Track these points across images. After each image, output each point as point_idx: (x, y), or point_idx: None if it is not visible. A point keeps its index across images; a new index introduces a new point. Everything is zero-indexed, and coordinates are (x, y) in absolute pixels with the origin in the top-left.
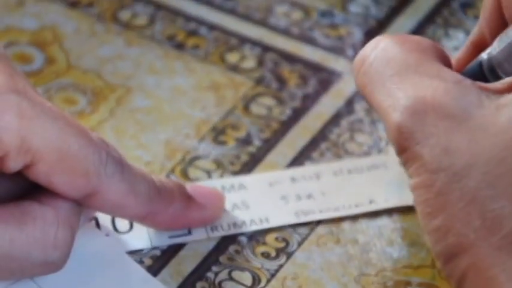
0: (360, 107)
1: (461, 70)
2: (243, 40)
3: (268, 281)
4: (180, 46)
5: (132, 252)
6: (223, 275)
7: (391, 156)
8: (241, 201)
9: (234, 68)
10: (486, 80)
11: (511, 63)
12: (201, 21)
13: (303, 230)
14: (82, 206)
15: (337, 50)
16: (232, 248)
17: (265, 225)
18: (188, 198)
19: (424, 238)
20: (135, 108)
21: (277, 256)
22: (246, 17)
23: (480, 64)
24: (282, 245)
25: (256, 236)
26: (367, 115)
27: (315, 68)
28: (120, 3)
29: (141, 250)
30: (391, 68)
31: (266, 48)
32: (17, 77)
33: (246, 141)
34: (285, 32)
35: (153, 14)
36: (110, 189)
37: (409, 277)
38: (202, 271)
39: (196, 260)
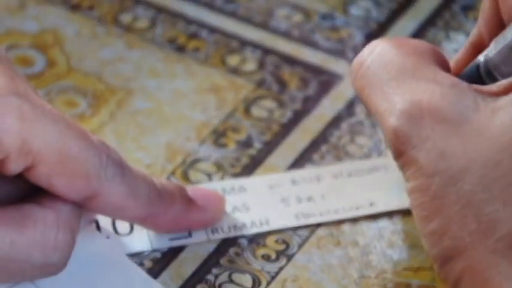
0: (360, 110)
1: (460, 71)
2: (244, 43)
3: (269, 283)
4: (180, 49)
5: (132, 255)
6: (223, 277)
7: (391, 158)
8: (241, 203)
9: (235, 71)
10: (483, 82)
11: (507, 65)
12: (201, 24)
13: (303, 232)
14: (83, 208)
15: (337, 53)
16: (232, 251)
17: (266, 228)
18: (188, 201)
19: (421, 241)
20: (135, 110)
21: (277, 258)
22: (247, 20)
23: (477, 66)
24: (282, 247)
25: (257, 239)
26: (368, 118)
27: (316, 70)
28: (121, 6)
29: (141, 252)
30: (387, 72)
31: (267, 51)
32: (18, 80)
33: (247, 143)
34: (286, 35)
35: (154, 17)
36: (110, 192)
37: (409, 279)
38: (203, 273)
39: (197, 262)
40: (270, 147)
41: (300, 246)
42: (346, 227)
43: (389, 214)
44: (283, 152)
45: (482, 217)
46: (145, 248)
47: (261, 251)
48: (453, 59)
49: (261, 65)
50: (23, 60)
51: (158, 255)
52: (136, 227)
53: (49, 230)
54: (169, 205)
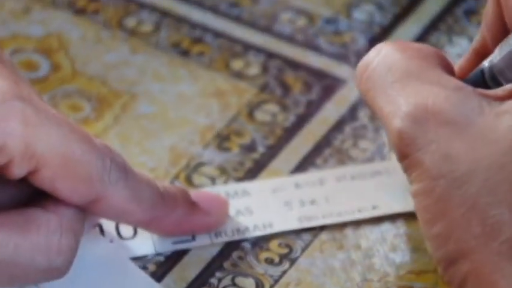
0: (363, 114)
1: (464, 77)
2: (248, 47)
3: (272, 286)
4: (185, 53)
5: (136, 258)
6: (226, 281)
7: (394, 162)
8: (244, 207)
9: (239, 75)
10: (488, 88)
11: None
12: (206, 29)
13: (307, 236)
14: (86, 212)
15: (341, 57)
16: (235, 254)
17: (269, 231)
18: (192, 204)
19: (425, 244)
20: (139, 114)
21: (280, 262)
22: (251, 24)
23: (482, 72)
24: (285, 251)
25: (260, 242)
26: (371, 121)
27: (319, 74)
28: (126, 11)
29: (145, 256)
30: (392, 75)
31: (270, 55)
32: (22, 84)
33: (250, 147)
34: (290, 39)
35: (158, 21)
36: (113, 196)
37: (412, 283)
38: (206, 277)
39: (200, 266)
40: (273, 151)
41: (303, 250)
42: (349, 231)
43: (392, 217)
44: (287, 156)
45: (487, 220)
46: (149, 252)
47: (264, 255)
48: (457, 65)
49: (265, 69)
50: (28, 64)
51: (162, 258)
52: (140, 231)
53: (52, 234)
54: (172, 209)
